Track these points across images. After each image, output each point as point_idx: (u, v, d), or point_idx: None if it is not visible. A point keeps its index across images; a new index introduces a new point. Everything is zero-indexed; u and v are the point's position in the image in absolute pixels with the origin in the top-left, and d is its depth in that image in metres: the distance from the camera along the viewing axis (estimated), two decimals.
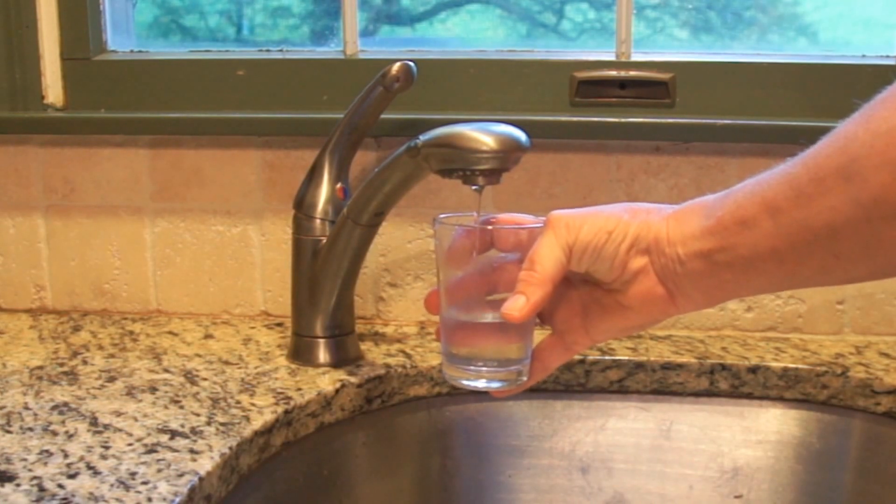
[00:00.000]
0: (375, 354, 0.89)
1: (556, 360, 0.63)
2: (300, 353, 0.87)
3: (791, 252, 0.49)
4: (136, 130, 0.99)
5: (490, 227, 0.62)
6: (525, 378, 0.63)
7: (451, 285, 0.62)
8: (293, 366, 0.86)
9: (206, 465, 0.65)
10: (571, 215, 0.58)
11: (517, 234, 0.61)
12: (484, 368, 0.62)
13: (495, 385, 0.62)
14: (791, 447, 0.87)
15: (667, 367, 0.87)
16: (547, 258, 0.57)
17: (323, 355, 0.86)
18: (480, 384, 0.62)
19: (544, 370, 0.63)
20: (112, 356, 0.88)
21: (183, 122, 0.98)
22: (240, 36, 1.18)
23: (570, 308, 0.61)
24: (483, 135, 0.65)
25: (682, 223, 0.55)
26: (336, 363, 0.86)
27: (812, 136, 0.94)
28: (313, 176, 0.86)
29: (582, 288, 0.61)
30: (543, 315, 0.62)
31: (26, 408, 0.75)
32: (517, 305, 0.58)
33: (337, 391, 0.81)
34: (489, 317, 0.61)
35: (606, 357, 0.88)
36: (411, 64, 0.83)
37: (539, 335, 0.63)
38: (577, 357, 0.87)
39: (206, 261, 1.01)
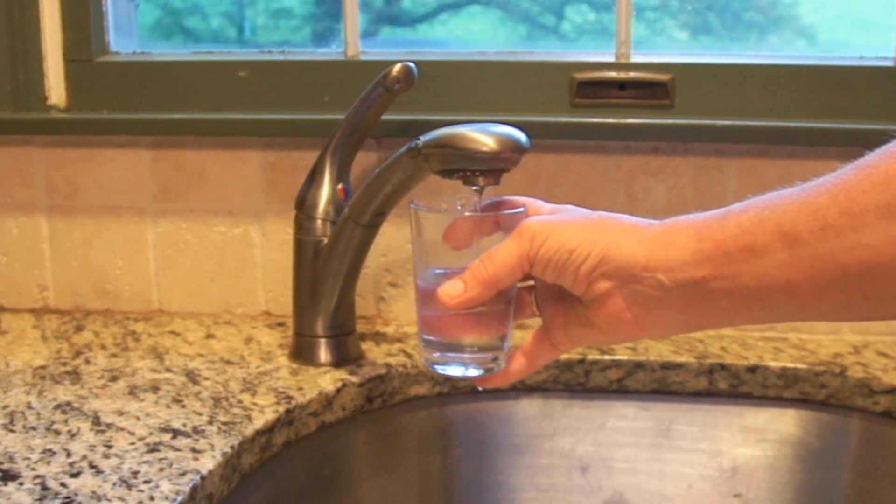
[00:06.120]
0: (376, 354, 0.89)
1: (541, 356, 0.61)
2: (301, 352, 0.87)
3: (810, 286, 0.46)
4: (138, 131, 0.99)
5: (480, 214, 0.61)
6: (503, 364, 0.61)
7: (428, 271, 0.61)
8: (294, 365, 0.86)
9: (207, 464, 0.65)
10: (541, 225, 0.55)
11: (496, 220, 0.60)
12: (461, 355, 0.61)
13: (472, 372, 0.61)
14: (790, 446, 0.87)
15: (666, 366, 0.88)
16: (501, 262, 0.56)
17: (324, 355, 0.86)
18: (454, 370, 0.62)
19: (531, 366, 0.62)
20: (114, 356, 0.89)
21: (185, 123, 0.98)
22: (241, 37, 1.18)
23: (557, 307, 0.60)
24: (483, 135, 0.65)
25: (665, 247, 0.51)
26: (337, 363, 0.86)
27: (811, 136, 0.95)
28: (314, 176, 0.87)
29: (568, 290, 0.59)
30: (538, 305, 0.62)
31: (29, 407, 0.75)
32: (453, 293, 0.57)
33: (338, 390, 0.81)
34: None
35: (606, 357, 0.88)
36: (412, 65, 0.83)
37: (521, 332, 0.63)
38: (576, 357, 0.88)
39: (207, 261, 1.02)
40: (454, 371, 0.62)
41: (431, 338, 0.62)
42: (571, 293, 0.57)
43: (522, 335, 0.63)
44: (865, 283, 0.45)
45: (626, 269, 0.53)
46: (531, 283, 0.62)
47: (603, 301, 0.55)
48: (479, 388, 0.81)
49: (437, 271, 0.61)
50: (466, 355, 0.61)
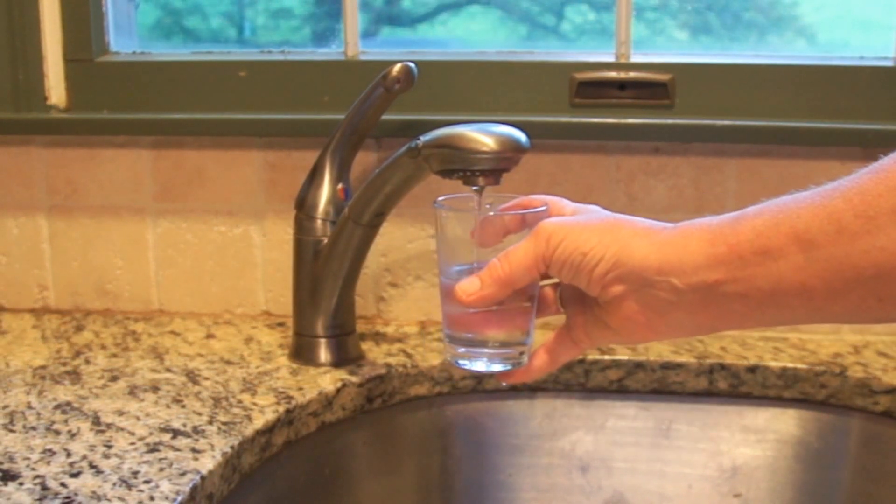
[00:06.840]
0: (376, 354, 0.89)
1: (564, 353, 0.62)
2: (301, 352, 0.87)
3: (824, 289, 0.46)
4: (138, 131, 0.99)
5: (504, 213, 0.62)
6: (526, 360, 0.62)
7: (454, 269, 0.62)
8: (294, 365, 0.86)
9: (207, 464, 0.65)
10: (558, 227, 0.56)
11: (522, 218, 0.61)
12: (484, 350, 0.62)
13: (496, 367, 0.62)
14: (790, 446, 0.87)
15: (666, 366, 0.88)
16: (517, 262, 0.57)
17: (324, 355, 0.86)
18: (478, 366, 0.62)
19: (553, 363, 0.63)
20: (114, 356, 0.89)
21: (185, 123, 0.98)
22: (241, 37, 1.18)
23: (578, 305, 0.61)
24: (483, 135, 0.65)
25: (679, 250, 0.52)
26: (337, 363, 0.86)
27: (811, 136, 0.95)
28: (314, 176, 0.87)
29: None
30: (562, 302, 0.62)
31: (29, 407, 0.75)
32: (470, 290, 0.58)
33: (338, 390, 0.81)
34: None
35: (606, 357, 0.88)
36: (412, 65, 0.83)
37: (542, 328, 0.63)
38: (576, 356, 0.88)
39: (207, 261, 1.02)
40: (478, 366, 0.63)
41: (455, 333, 0.63)
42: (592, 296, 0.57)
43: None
44: (880, 285, 0.45)
45: (638, 273, 0.53)
46: (556, 280, 0.62)
47: (617, 304, 0.55)
48: (503, 384, 0.82)
49: (458, 268, 0.62)
50: (489, 350, 0.62)
